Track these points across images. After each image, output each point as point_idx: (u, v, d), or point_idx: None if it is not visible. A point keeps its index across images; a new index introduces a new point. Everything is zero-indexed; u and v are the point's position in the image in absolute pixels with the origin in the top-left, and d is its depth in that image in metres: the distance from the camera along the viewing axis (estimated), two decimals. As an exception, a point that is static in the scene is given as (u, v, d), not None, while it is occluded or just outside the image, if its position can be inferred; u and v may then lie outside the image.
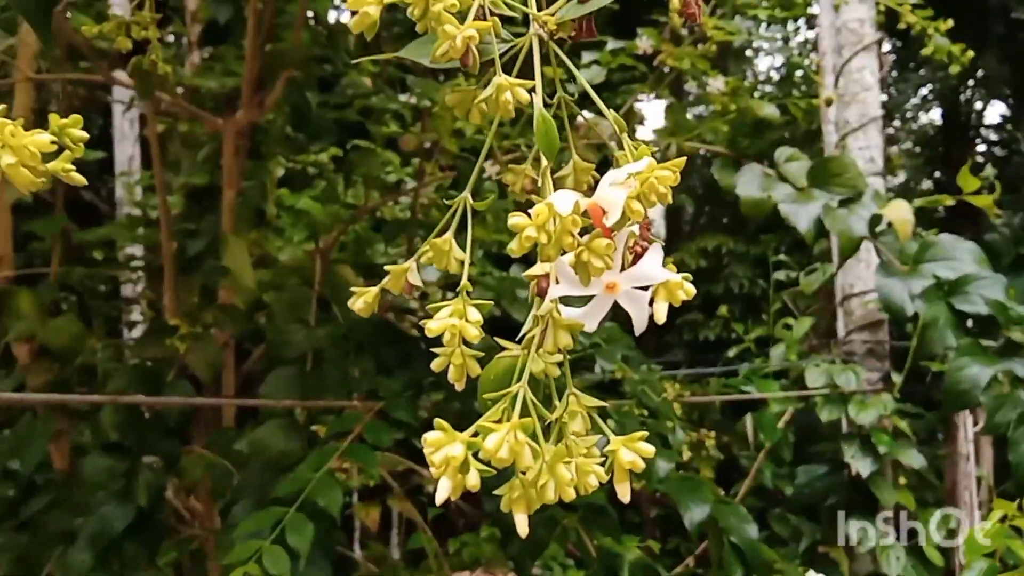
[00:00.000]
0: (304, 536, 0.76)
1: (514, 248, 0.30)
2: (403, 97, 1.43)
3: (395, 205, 1.92)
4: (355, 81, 1.53)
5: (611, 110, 0.35)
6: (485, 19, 0.34)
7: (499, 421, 0.31)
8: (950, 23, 1.33)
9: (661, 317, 0.33)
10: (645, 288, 0.33)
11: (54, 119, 0.31)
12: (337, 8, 2.10)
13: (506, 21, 0.36)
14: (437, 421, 0.29)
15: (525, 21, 0.37)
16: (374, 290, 0.40)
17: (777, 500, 1.93)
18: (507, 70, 0.35)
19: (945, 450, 1.76)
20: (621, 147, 0.36)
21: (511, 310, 1.14)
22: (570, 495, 0.31)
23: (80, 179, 0.31)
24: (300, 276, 1.35)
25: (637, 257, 0.32)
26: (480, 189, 1.11)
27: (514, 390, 0.32)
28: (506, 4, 0.35)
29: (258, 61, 1.28)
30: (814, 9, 2.20)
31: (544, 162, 0.34)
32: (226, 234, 1.23)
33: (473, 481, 0.29)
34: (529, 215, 0.29)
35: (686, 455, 1.23)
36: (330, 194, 1.79)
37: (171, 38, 1.86)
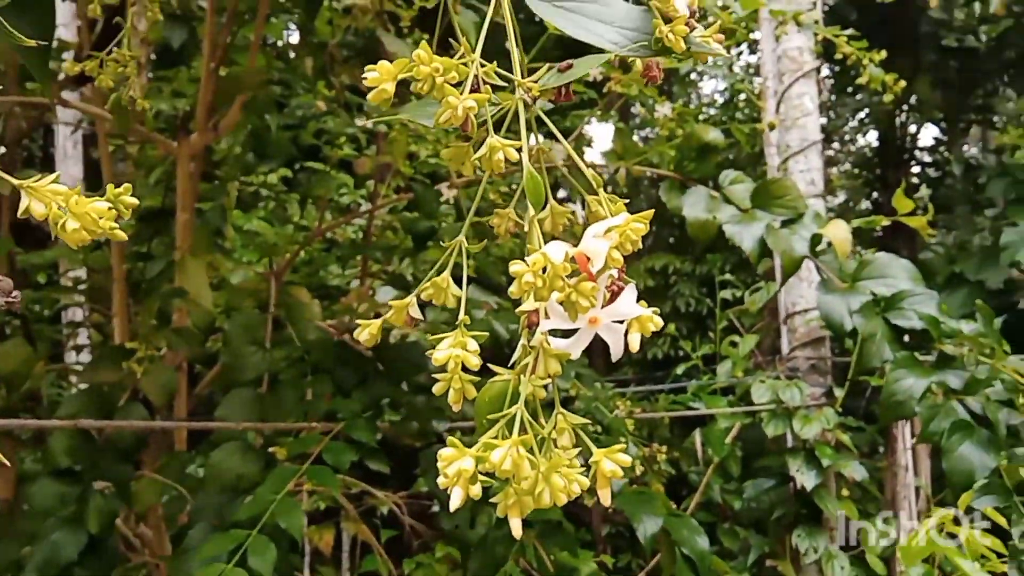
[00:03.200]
0: (267, 559, 0.77)
1: (514, 291, 0.35)
2: (359, 121, 1.45)
3: (348, 227, 1.93)
4: (306, 103, 1.54)
5: (588, 168, 0.40)
6: (479, 89, 0.39)
7: (497, 438, 0.35)
8: (883, 54, 1.39)
9: (635, 346, 0.38)
10: (621, 321, 0.37)
11: (110, 189, 0.35)
12: (287, 30, 2.11)
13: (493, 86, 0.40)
14: (450, 439, 0.34)
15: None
16: (377, 322, 0.45)
17: (726, 515, 1.97)
18: (495, 129, 0.39)
19: (885, 461, 1.82)
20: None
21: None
22: (563, 500, 0.35)
23: (122, 235, 0.34)
24: (254, 298, 1.35)
25: (614, 295, 0.37)
26: (436, 212, 1.13)
27: (513, 411, 0.36)
28: (496, 74, 0.40)
29: (212, 84, 1.29)
30: (757, 35, 2.28)
31: (531, 212, 0.39)
32: (184, 256, 1.23)
33: (476, 491, 0.33)
34: (526, 262, 0.34)
35: (638, 469, 1.26)
36: (281, 215, 1.79)
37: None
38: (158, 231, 1.51)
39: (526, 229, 0.40)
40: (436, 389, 0.38)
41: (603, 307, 0.37)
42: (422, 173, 1.41)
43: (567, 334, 0.37)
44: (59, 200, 0.34)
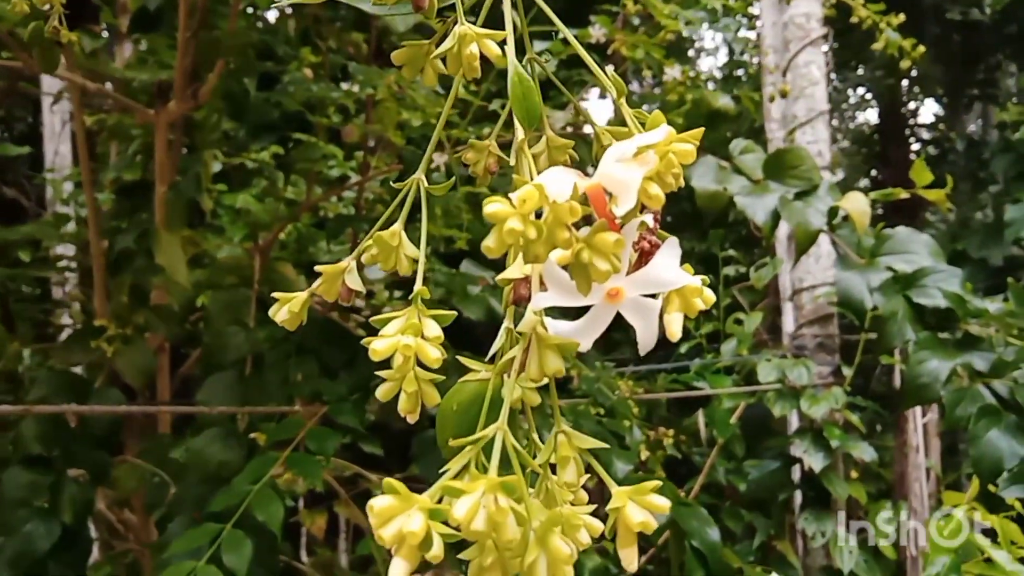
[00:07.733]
0: (242, 555, 0.71)
1: (491, 246, 0.22)
2: (345, 86, 1.37)
3: (338, 201, 1.86)
4: (297, 77, 1.47)
5: (604, 72, 0.29)
6: None
7: (464, 468, 0.23)
8: (902, 17, 1.33)
9: (676, 332, 0.25)
10: (654, 295, 0.25)
11: None
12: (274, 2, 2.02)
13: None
14: (387, 482, 0.22)
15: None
16: (302, 296, 0.33)
17: (727, 495, 1.92)
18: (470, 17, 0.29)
19: (895, 441, 1.77)
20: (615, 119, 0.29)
21: (463, 308, 1.10)
22: (567, 574, 0.23)
23: None
24: (238, 275, 1.28)
25: (646, 256, 0.25)
26: (429, 179, 1.06)
27: (489, 433, 0.23)
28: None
29: (191, 50, 1.22)
30: (754, 9, 2.21)
31: (520, 133, 0.27)
32: (158, 230, 1.17)
33: (436, 552, 0.22)
34: (511, 201, 0.21)
35: (643, 454, 1.20)
36: (270, 191, 1.72)
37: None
38: (137, 206, 1.45)
39: (512, 161, 0.27)
40: (379, 393, 0.27)
41: (629, 273, 0.24)
42: (412, 141, 1.34)
43: (574, 314, 0.25)
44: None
